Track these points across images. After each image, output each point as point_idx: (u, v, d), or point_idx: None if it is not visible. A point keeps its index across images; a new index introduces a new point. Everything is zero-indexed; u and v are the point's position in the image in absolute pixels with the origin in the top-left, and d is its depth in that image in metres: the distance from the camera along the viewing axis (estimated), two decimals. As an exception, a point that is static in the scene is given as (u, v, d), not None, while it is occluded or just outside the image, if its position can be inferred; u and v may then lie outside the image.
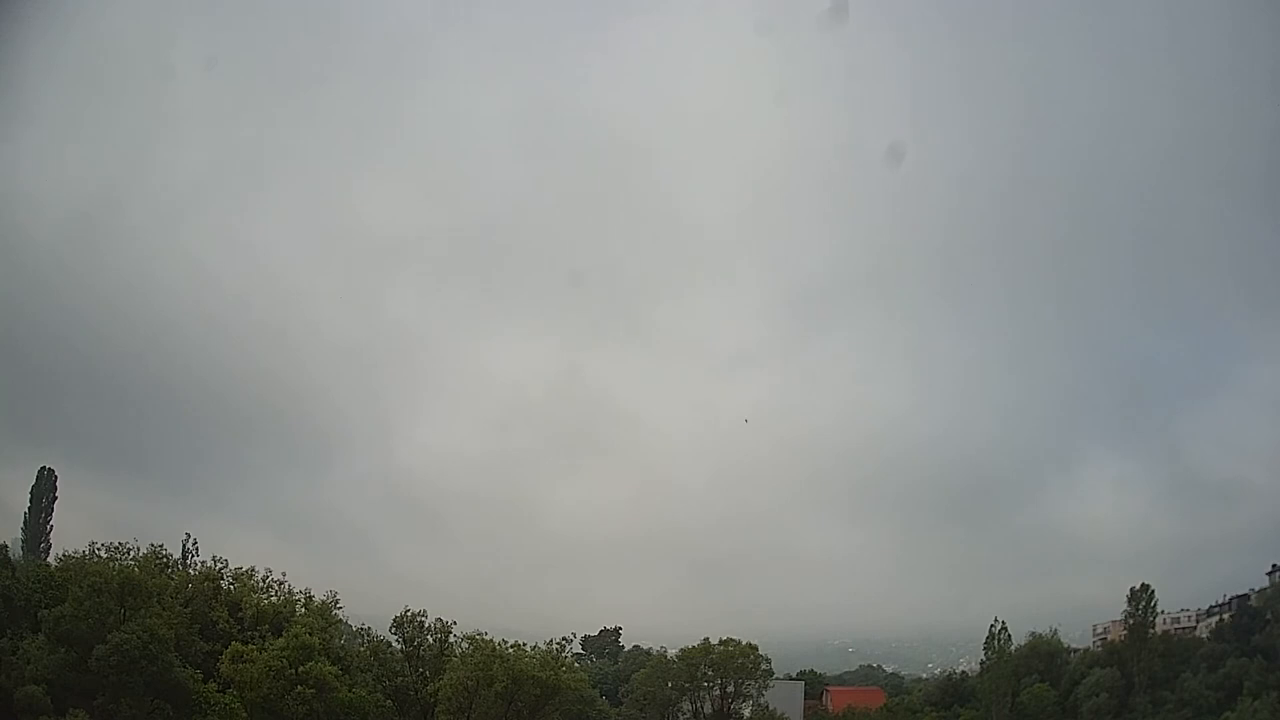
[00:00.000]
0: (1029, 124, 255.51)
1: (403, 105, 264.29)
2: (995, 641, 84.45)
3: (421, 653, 64.31)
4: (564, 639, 67.27)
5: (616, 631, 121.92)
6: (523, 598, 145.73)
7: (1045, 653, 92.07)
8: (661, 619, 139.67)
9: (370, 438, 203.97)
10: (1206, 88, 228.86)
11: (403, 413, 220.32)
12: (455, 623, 65.25)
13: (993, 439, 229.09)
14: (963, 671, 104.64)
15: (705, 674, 75.83)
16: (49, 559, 76.35)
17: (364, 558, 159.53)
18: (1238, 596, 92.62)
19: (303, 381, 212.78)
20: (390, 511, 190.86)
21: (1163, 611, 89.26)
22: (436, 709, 61.84)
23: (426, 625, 64.46)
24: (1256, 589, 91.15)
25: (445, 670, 62.81)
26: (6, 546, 71.87)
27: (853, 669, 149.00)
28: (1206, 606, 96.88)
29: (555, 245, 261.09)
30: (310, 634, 57.24)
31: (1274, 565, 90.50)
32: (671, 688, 77.37)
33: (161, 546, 65.45)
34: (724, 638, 75.87)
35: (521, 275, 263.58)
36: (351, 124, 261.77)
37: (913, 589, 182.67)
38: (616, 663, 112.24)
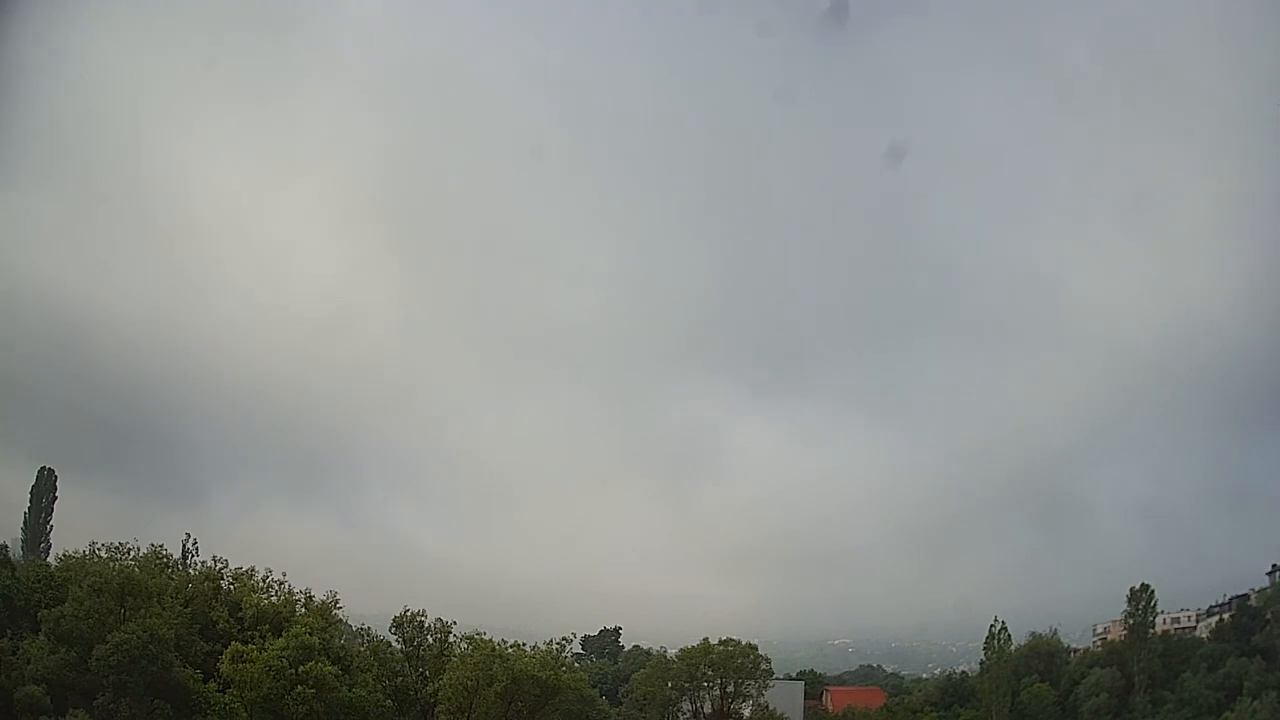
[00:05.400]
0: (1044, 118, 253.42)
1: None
2: (995, 641, 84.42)
3: (421, 653, 64.32)
4: (564, 639, 67.44)
5: (616, 631, 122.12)
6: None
7: (1045, 653, 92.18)
8: (662, 622, 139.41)
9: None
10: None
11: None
12: (455, 622, 65.50)
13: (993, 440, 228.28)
14: (963, 671, 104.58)
15: (705, 674, 75.84)
16: (49, 559, 76.35)
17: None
18: (1238, 596, 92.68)
19: (315, 387, 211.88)
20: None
21: (1163, 611, 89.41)
22: (436, 709, 61.88)
23: (426, 625, 64.51)
24: (1256, 589, 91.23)
25: (445, 670, 62.78)
26: (6, 546, 71.72)
27: (853, 669, 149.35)
28: (1206, 606, 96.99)
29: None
30: (310, 634, 57.10)
31: (1274, 565, 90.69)
32: (671, 688, 77.37)
33: (161, 546, 65.38)
34: (724, 638, 75.99)
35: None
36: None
37: (913, 589, 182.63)
38: (616, 663, 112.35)
